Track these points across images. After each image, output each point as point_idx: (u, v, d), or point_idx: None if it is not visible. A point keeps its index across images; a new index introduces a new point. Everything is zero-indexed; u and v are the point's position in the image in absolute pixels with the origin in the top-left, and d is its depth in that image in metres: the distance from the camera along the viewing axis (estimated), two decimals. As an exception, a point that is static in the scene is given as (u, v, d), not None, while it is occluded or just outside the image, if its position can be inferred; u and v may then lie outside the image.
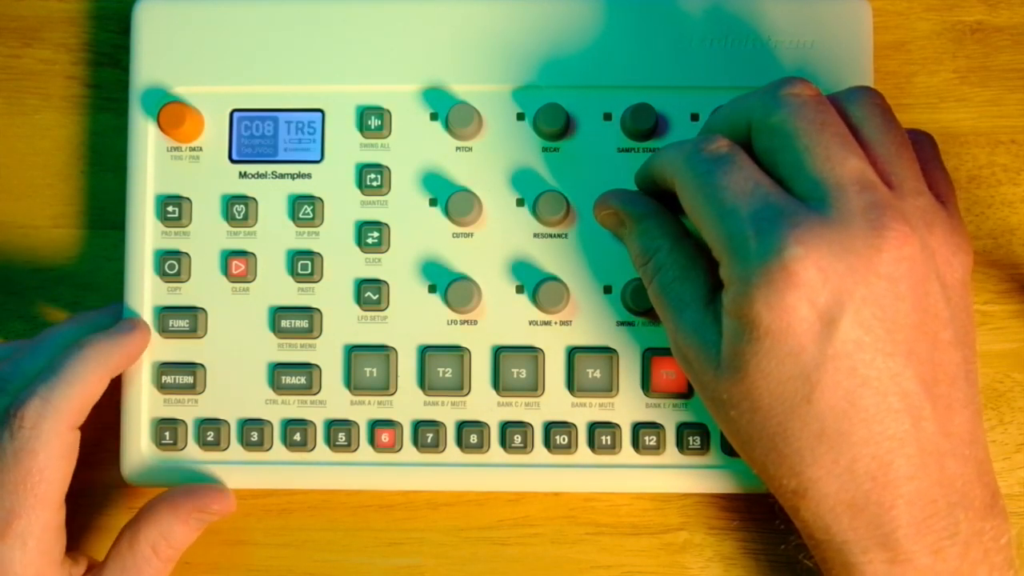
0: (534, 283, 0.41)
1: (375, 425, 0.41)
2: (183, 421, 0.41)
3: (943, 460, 0.32)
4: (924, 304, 0.32)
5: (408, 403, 0.41)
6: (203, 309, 0.42)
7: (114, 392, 0.41)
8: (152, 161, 0.42)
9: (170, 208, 0.42)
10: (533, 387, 0.41)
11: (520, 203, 0.42)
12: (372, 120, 0.42)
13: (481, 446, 0.41)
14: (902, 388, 0.32)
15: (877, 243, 0.31)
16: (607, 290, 0.41)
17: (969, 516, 0.33)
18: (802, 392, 0.32)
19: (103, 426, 0.42)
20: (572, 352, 0.41)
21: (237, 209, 0.42)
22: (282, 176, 0.42)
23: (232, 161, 0.42)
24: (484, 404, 0.41)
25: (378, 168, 0.42)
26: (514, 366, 0.41)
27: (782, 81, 0.35)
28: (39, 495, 0.36)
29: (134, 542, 0.39)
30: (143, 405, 0.41)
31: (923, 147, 0.37)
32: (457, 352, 0.41)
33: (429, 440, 0.41)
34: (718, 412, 0.35)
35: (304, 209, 0.41)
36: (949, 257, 0.33)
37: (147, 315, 0.42)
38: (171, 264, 0.41)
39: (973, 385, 0.34)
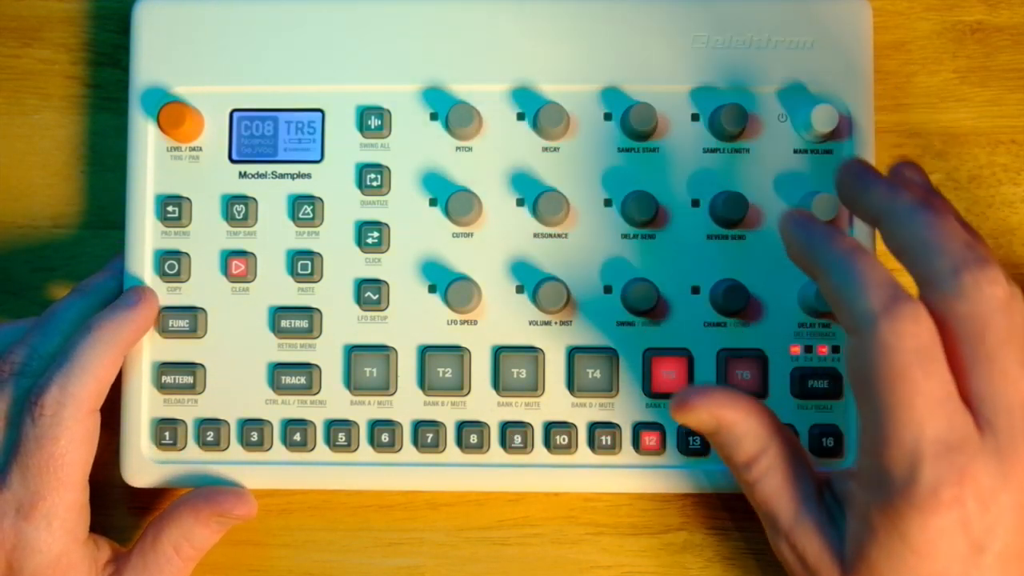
0: (534, 283, 0.41)
1: (375, 425, 0.41)
2: (183, 421, 0.41)
3: None
4: None
5: (408, 403, 0.41)
6: (203, 309, 0.42)
7: (114, 392, 0.41)
8: (152, 161, 0.42)
9: (170, 208, 0.42)
10: (533, 387, 0.41)
11: (520, 203, 0.42)
12: (372, 120, 0.42)
13: (481, 446, 0.41)
14: None
15: None
16: (607, 290, 0.41)
17: None
18: None
19: (103, 426, 0.42)
20: (572, 352, 0.41)
21: (237, 209, 0.42)
22: (282, 176, 0.42)
23: (232, 161, 0.42)
24: (484, 404, 0.41)
25: (378, 168, 0.42)
26: (514, 366, 0.41)
27: (980, 264, 0.31)
28: (62, 478, 0.37)
29: (157, 541, 0.40)
30: (143, 405, 0.41)
31: None
32: (457, 352, 0.41)
33: (429, 440, 0.41)
34: None
35: (304, 209, 0.41)
36: None
37: (147, 315, 0.42)
38: (171, 264, 0.41)
39: None
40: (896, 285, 0.32)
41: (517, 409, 0.41)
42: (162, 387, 0.41)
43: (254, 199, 0.42)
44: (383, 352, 0.41)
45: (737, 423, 0.35)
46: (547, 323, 0.41)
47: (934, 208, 0.33)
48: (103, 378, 0.38)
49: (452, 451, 0.41)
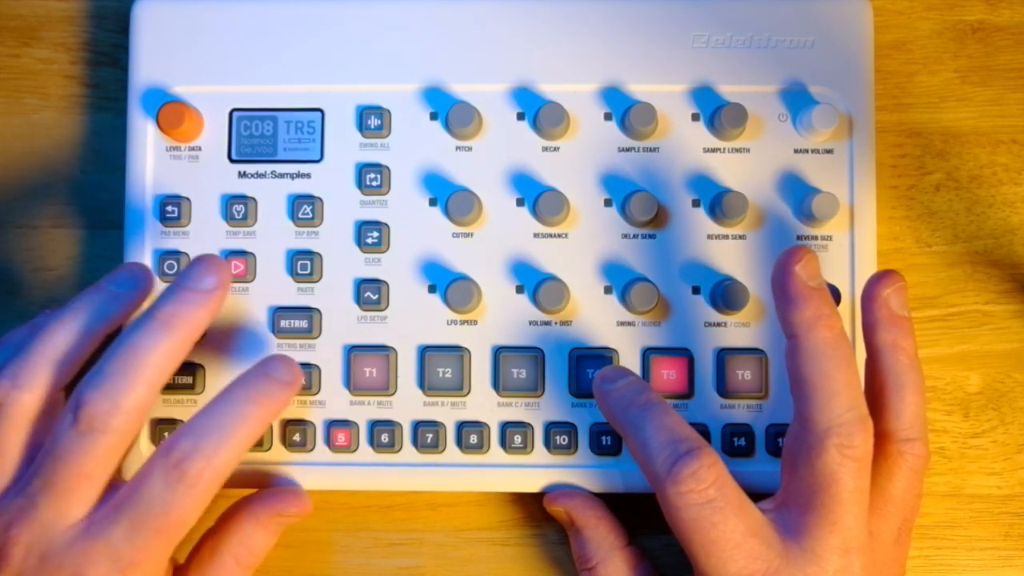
0: (534, 283, 0.41)
1: (375, 425, 0.41)
2: (183, 421, 0.41)
3: None
4: None
5: (408, 403, 0.41)
6: (203, 309, 0.41)
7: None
8: (151, 161, 0.42)
9: (169, 208, 0.42)
10: (533, 387, 0.41)
11: (520, 203, 0.42)
12: (372, 120, 0.42)
13: (481, 446, 0.41)
14: None
15: None
16: (607, 290, 0.41)
17: None
18: None
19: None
20: (572, 352, 0.41)
21: (236, 209, 0.42)
22: (281, 176, 0.42)
23: (231, 161, 0.42)
24: (484, 404, 0.41)
25: (378, 168, 0.42)
26: (514, 366, 0.41)
27: (850, 431, 0.34)
28: (172, 541, 0.34)
29: (216, 552, 0.38)
30: (143, 405, 0.41)
31: None
32: (457, 352, 0.41)
33: (429, 440, 0.41)
34: None
35: (304, 209, 0.41)
36: None
37: (147, 315, 0.41)
38: (171, 264, 0.41)
39: None
40: (678, 441, 0.35)
41: (517, 409, 0.41)
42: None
43: (253, 199, 0.42)
44: (383, 352, 0.41)
45: (587, 527, 0.40)
46: (547, 323, 0.41)
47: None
48: (244, 455, 0.35)
49: (452, 451, 0.41)
